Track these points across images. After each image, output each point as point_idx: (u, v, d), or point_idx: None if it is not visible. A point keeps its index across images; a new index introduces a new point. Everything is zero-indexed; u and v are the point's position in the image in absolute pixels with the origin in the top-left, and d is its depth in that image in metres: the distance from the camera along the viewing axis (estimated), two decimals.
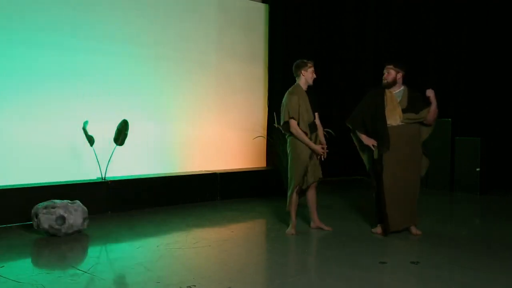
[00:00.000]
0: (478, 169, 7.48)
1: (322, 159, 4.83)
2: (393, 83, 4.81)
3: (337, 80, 9.05)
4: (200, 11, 7.30)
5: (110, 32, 6.35)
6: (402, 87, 4.86)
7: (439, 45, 8.72)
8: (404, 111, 4.75)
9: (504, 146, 8.01)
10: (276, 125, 6.93)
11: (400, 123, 4.74)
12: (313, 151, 4.76)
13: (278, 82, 7.99)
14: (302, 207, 5.27)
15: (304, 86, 4.86)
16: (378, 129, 4.81)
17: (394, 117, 4.76)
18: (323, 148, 4.79)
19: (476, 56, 8.33)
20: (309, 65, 4.85)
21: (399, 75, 4.82)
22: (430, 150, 4.97)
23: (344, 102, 8.63)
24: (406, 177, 4.78)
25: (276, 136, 6.86)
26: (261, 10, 8.10)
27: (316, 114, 4.92)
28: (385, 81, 4.84)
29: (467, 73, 8.46)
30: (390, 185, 4.77)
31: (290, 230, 4.88)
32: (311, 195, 4.98)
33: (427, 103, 4.79)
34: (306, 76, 4.85)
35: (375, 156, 4.82)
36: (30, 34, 5.70)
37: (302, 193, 4.97)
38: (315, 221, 5.06)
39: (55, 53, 5.90)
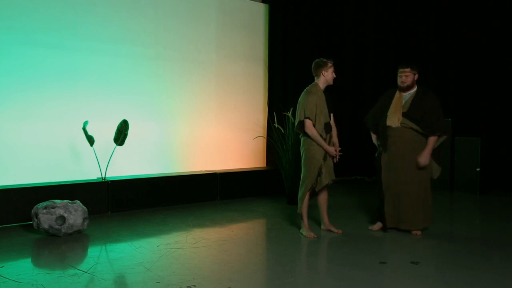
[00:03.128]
0: (478, 169, 7.49)
1: (335, 161, 4.77)
2: (412, 86, 4.81)
3: (337, 80, 9.04)
4: (200, 11, 7.30)
5: (110, 32, 6.35)
6: (415, 89, 4.85)
7: (439, 45, 8.73)
8: (404, 114, 4.75)
9: (504, 146, 8.00)
10: (276, 125, 6.93)
11: (399, 126, 4.76)
12: (326, 152, 4.70)
13: (278, 82, 8.01)
14: (312, 208, 5.22)
15: (322, 86, 4.77)
16: (380, 128, 4.90)
17: (393, 119, 4.78)
18: (336, 150, 4.71)
19: (476, 56, 8.34)
20: (329, 64, 4.72)
21: (416, 77, 4.83)
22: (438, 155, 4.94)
23: (343, 102, 8.64)
24: (404, 180, 4.78)
25: (276, 136, 6.86)
26: (261, 10, 8.11)
27: (332, 115, 4.85)
28: (405, 84, 4.79)
29: (467, 73, 8.46)
30: (386, 184, 4.85)
31: (309, 233, 4.78)
32: (323, 197, 4.93)
33: (439, 116, 4.73)
34: (327, 76, 4.74)
35: (376, 154, 4.92)
36: (30, 34, 5.70)
37: (312, 194, 4.91)
38: (326, 223, 5.01)
39: (55, 53, 5.90)
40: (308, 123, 4.66)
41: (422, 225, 4.89)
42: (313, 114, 4.65)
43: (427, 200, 4.87)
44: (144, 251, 4.28)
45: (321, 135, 4.66)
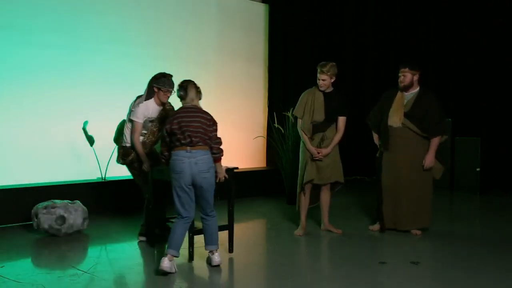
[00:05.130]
0: (478, 169, 7.48)
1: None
2: (410, 85, 4.79)
3: (337, 80, 9.03)
4: (200, 11, 7.30)
5: (110, 32, 6.35)
6: (417, 89, 4.83)
7: (439, 45, 8.73)
8: (406, 114, 4.74)
9: (504, 146, 8.00)
10: (276, 125, 6.93)
11: (401, 125, 4.75)
12: (309, 151, 4.75)
13: (278, 82, 8.00)
14: (313, 208, 5.21)
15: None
16: (381, 128, 4.89)
17: (395, 119, 4.77)
18: (318, 153, 4.70)
19: (476, 56, 8.33)
20: (318, 70, 4.75)
21: (416, 77, 4.79)
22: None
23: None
24: (405, 180, 4.76)
25: (276, 136, 6.86)
26: (261, 10, 8.10)
27: (342, 118, 4.81)
28: (402, 84, 4.79)
29: (467, 73, 8.46)
30: (386, 184, 4.83)
31: (298, 230, 4.84)
32: (325, 197, 4.94)
33: (440, 118, 4.75)
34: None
35: (377, 154, 4.92)
36: (30, 34, 5.69)
37: (313, 195, 4.92)
38: (326, 223, 5.01)
39: (55, 53, 5.89)
40: (297, 120, 4.85)
41: (419, 225, 4.89)
42: (299, 113, 4.80)
43: (426, 201, 4.86)
44: (144, 251, 4.27)
45: (306, 134, 4.77)
